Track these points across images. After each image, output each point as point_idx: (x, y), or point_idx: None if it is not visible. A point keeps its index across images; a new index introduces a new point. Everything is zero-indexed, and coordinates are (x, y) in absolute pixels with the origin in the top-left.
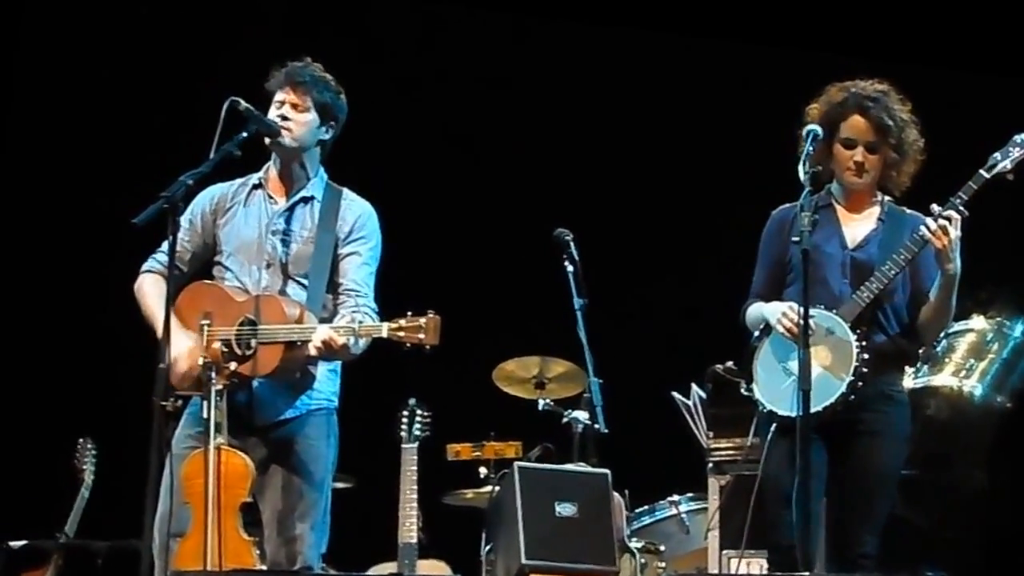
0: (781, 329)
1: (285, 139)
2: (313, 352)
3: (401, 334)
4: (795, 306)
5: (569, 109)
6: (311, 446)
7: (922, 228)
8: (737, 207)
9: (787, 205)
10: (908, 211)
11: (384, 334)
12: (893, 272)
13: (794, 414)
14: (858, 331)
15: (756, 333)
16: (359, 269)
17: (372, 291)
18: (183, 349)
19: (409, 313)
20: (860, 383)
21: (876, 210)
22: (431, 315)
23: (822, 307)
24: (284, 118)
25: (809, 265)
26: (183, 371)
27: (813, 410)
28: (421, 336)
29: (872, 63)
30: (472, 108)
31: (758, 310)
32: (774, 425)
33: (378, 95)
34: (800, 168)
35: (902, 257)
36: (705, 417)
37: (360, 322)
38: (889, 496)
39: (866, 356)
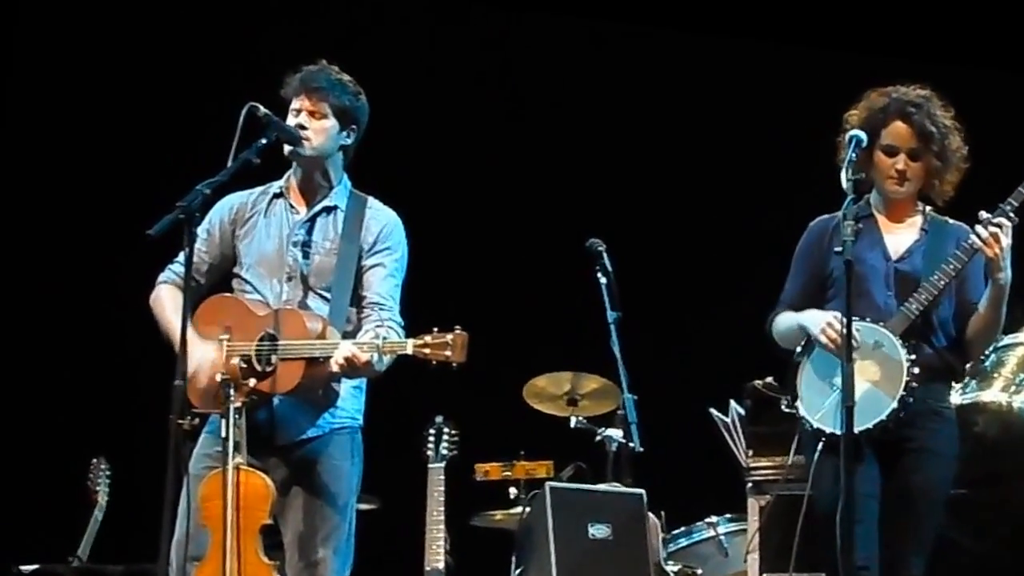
0: (824, 340)
1: (305, 149)
2: (335, 369)
3: (427, 351)
4: (839, 315)
5: (603, 113)
6: (334, 466)
7: (972, 236)
8: (778, 217)
9: (826, 216)
10: (951, 221)
11: (409, 351)
12: (943, 283)
13: (838, 430)
14: (908, 345)
15: (798, 349)
16: (384, 281)
17: (398, 304)
18: (201, 365)
19: (435, 329)
20: (911, 399)
21: (918, 220)
22: (458, 331)
23: (868, 320)
24: (302, 127)
25: (852, 277)
26: (201, 388)
27: (862, 427)
28: (447, 353)
29: (913, 64)
30: (502, 113)
31: (791, 319)
32: (820, 443)
33: (404, 99)
34: (843, 175)
35: (951, 267)
36: (744, 435)
37: (384, 338)
38: (937, 516)
39: (916, 371)
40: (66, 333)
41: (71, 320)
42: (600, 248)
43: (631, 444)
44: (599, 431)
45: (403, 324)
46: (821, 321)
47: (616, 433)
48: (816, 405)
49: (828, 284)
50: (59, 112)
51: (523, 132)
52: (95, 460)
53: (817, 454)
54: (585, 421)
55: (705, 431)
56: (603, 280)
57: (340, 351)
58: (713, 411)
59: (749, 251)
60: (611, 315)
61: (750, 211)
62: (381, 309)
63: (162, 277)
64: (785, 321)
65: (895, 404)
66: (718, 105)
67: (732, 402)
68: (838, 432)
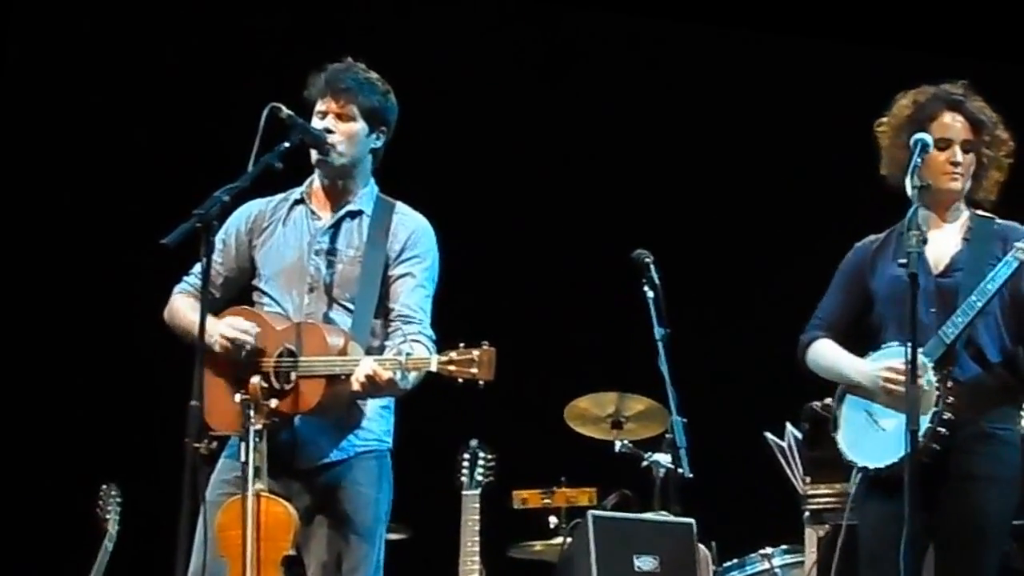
0: (888, 400)
1: (332, 156)
2: (355, 387)
3: (452, 368)
4: (894, 366)
5: (649, 117)
6: (361, 492)
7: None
8: (834, 229)
9: (872, 237)
10: (998, 221)
11: (433, 368)
12: (980, 304)
13: (881, 465)
14: (942, 373)
15: (838, 390)
16: (413, 292)
17: (428, 317)
18: (220, 384)
19: (461, 345)
20: (943, 429)
21: (961, 225)
22: (485, 347)
23: (909, 345)
24: (328, 131)
25: (915, 292)
26: (219, 409)
27: (886, 463)
28: (474, 371)
29: (953, 61)
30: (542, 117)
31: (831, 359)
32: (858, 476)
33: (436, 99)
34: (907, 182)
35: (993, 285)
36: (801, 460)
37: (407, 354)
38: (997, 546)
39: (951, 400)
40: (74, 351)
41: (79, 337)
42: (647, 259)
43: (680, 470)
44: (646, 456)
45: (434, 338)
46: (876, 377)
47: (664, 458)
48: (854, 437)
49: (870, 305)
50: (67, 116)
51: (565, 136)
52: (105, 486)
53: (855, 488)
54: (631, 445)
55: (759, 456)
56: (650, 294)
57: (361, 368)
58: (768, 435)
59: (808, 265)
60: (659, 331)
61: (808, 223)
62: (409, 322)
63: (176, 289)
64: (825, 358)
65: (920, 439)
66: (775, 105)
67: (788, 425)
68: (871, 467)
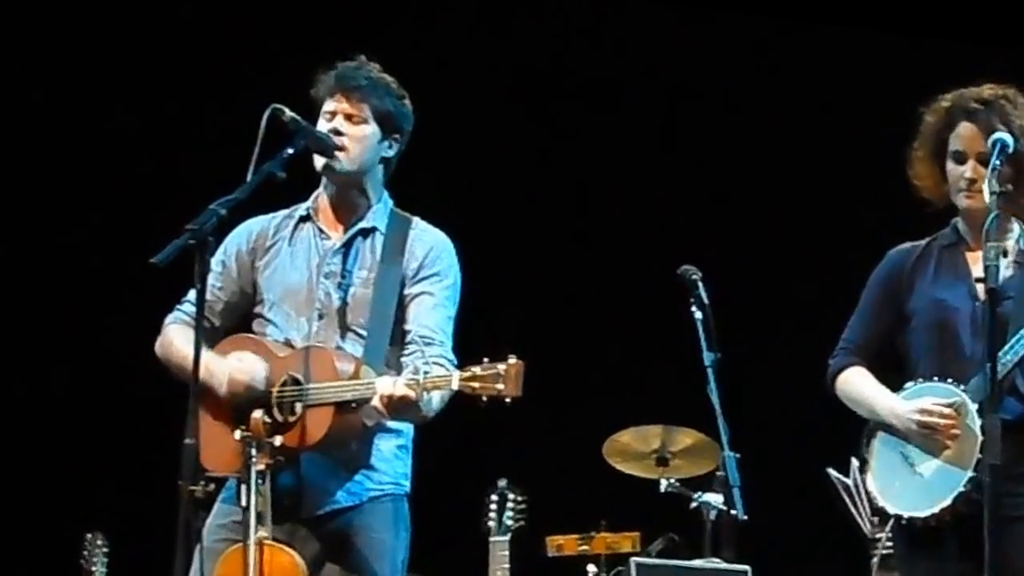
0: (925, 442)
1: (340, 161)
2: (377, 404)
3: (475, 385)
4: (935, 405)
5: (698, 122)
6: (375, 539)
7: None
8: (897, 239)
9: (907, 246)
10: None
11: (455, 385)
12: None
13: (919, 514)
14: (989, 414)
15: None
16: (432, 312)
17: (450, 340)
18: (216, 421)
19: (485, 359)
20: (988, 478)
21: (1012, 247)
22: (511, 361)
23: (951, 381)
24: (337, 132)
25: (993, 312)
26: (216, 448)
27: (924, 513)
28: (500, 387)
29: None
30: (581, 125)
31: (861, 392)
32: (890, 523)
33: (459, 106)
34: (984, 187)
35: None
36: (869, 499)
37: (426, 373)
38: None
39: (998, 446)
40: (53, 385)
41: (58, 370)
42: (695, 277)
43: (733, 511)
44: (695, 496)
45: (457, 364)
46: (911, 420)
47: (715, 498)
48: (886, 480)
49: (906, 325)
50: (48, 118)
51: (606, 144)
52: (90, 535)
53: (888, 534)
54: (678, 484)
55: (821, 495)
56: (698, 315)
57: (380, 387)
58: (831, 471)
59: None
60: (708, 356)
61: (878, 235)
62: (430, 344)
63: (169, 318)
64: (855, 390)
65: (960, 487)
66: (834, 107)
67: (854, 460)
68: (907, 516)
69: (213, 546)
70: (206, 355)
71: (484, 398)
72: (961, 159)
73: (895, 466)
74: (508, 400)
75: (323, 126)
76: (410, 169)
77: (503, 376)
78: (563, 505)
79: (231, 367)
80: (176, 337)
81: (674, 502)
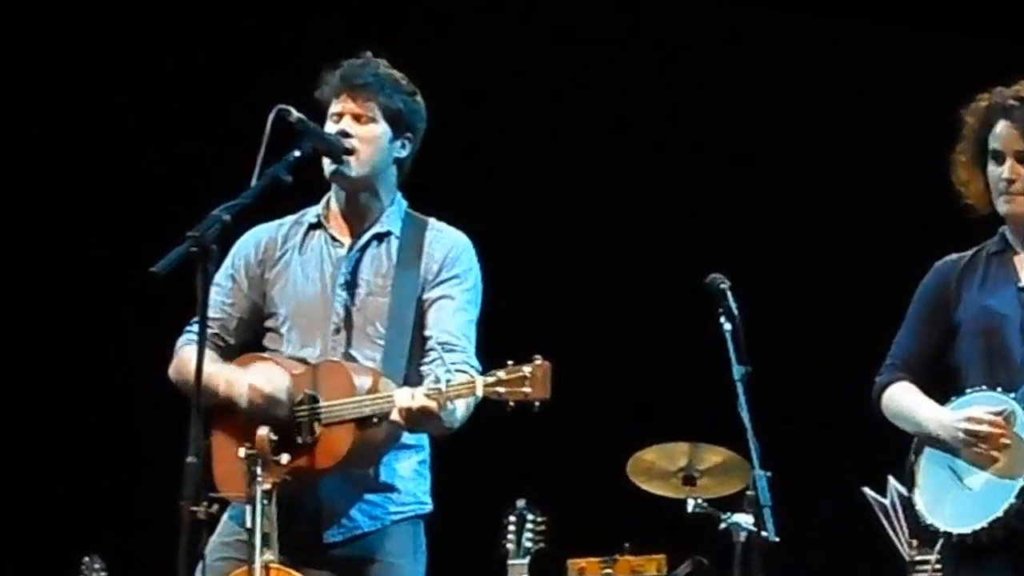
0: (968, 450)
1: (351, 166)
2: (396, 418)
3: (501, 390)
4: (983, 413)
5: (727, 120)
6: (391, 565)
7: None
8: (949, 248)
9: (954, 257)
10: None
11: (479, 392)
12: None
13: (967, 530)
14: None
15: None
16: (453, 317)
17: (473, 345)
18: (224, 439)
19: (509, 362)
20: None
21: None
22: (538, 361)
23: (999, 389)
24: (345, 134)
25: (986, 330)
26: (223, 468)
27: (973, 528)
28: (526, 390)
29: None
30: (601, 125)
31: (907, 406)
32: (939, 543)
33: (476, 103)
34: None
35: None
36: (907, 520)
37: (448, 381)
38: None
39: None
40: (53, 406)
41: (59, 385)
42: (724, 286)
43: (764, 533)
44: (723, 517)
45: (481, 371)
46: (956, 429)
47: (745, 519)
48: (934, 497)
49: (955, 339)
50: (47, 118)
51: (630, 146)
52: (87, 559)
53: (938, 556)
54: (706, 504)
55: (857, 516)
56: (727, 326)
57: (399, 399)
58: (867, 490)
59: (908, 289)
60: (738, 370)
61: (919, 241)
62: (451, 350)
63: (181, 341)
64: (900, 405)
65: (1012, 499)
66: (872, 105)
67: (891, 479)
68: (956, 532)
69: (215, 564)
70: (226, 368)
71: (511, 403)
72: (1000, 159)
73: (943, 482)
74: (537, 404)
75: (330, 128)
76: (429, 170)
77: (530, 378)
78: (585, 526)
79: (252, 378)
80: (193, 357)
81: (702, 523)
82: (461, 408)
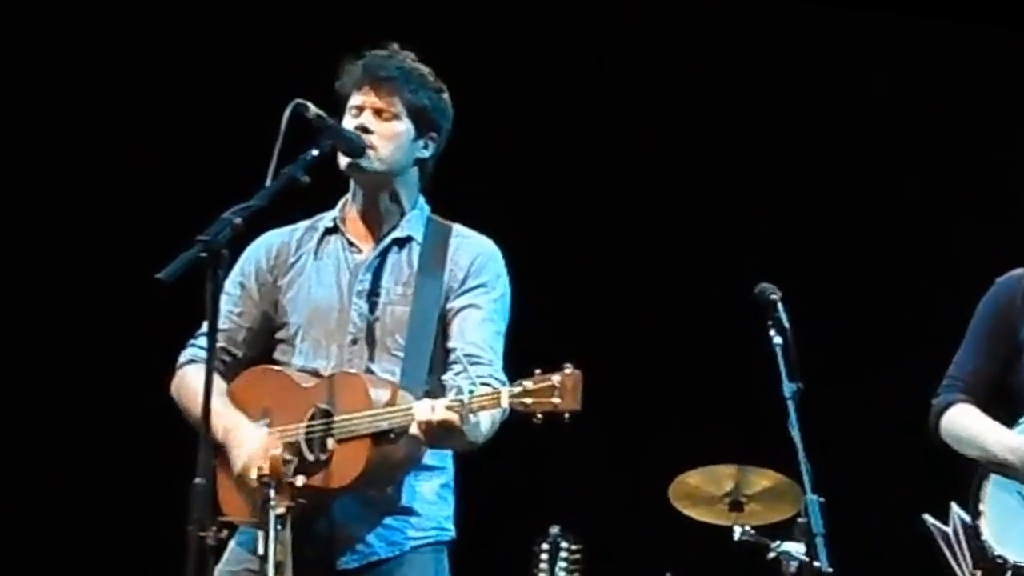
0: None
1: (369, 160)
2: (415, 432)
3: (528, 401)
4: None
5: (778, 122)
6: None
7: None
8: (1005, 264)
9: (1018, 271)
10: None
11: (504, 403)
12: None
13: None
14: None
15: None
16: (480, 327)
17: (500, 359)
18: (252, 459)
19: (537, 372)
20: None
21: None
22: (568, 371)
23: None
24: (365, 130)
25: None
26: (232, 491)
27: None
28: (556, 400)
29: None
30: (642, 128)
31: (974, 431)
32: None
33: (508, 104)
34: None
35: None
36: (970, 550)
37: (471, 392)
38: None
39: None
40: (47, 419)
41: (60, 404)
42: (774, 297)
43: (816, 563)
44: (773, 545)
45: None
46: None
47: (796, 548)
48: (1003, 526)
49: (1019, 359)
50: (47, 118)
51: (673, 147)
52: None
53: None
54: (754, 532)
55: (917, 545)
56: (777, 340)
57: (418, 412)
58: (928, 518)
59: (971, 303)
60: (788, 387)
61: (982, 250)
62: (476, 362)
63: (185, 356)
64: (963, 429)
65: None
66: (931, 114)
67: (954, 506)
68: None
69: None
70: (227, 411)
71: (538, 415)
72: None
73: (1012, 509)
74: (567, 416)
75: (349, 123)
76: (456, 173)
77: (559, 388)
78: (624, 554)
79: (255, 444)
80: (193, 381)
81: (749, 552)
82: (486, 422)
